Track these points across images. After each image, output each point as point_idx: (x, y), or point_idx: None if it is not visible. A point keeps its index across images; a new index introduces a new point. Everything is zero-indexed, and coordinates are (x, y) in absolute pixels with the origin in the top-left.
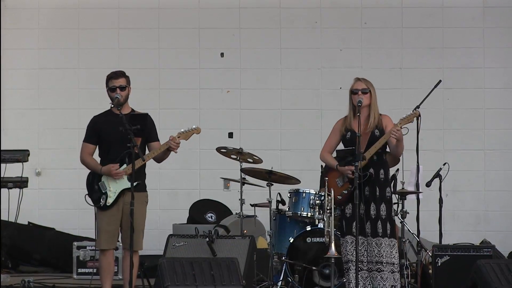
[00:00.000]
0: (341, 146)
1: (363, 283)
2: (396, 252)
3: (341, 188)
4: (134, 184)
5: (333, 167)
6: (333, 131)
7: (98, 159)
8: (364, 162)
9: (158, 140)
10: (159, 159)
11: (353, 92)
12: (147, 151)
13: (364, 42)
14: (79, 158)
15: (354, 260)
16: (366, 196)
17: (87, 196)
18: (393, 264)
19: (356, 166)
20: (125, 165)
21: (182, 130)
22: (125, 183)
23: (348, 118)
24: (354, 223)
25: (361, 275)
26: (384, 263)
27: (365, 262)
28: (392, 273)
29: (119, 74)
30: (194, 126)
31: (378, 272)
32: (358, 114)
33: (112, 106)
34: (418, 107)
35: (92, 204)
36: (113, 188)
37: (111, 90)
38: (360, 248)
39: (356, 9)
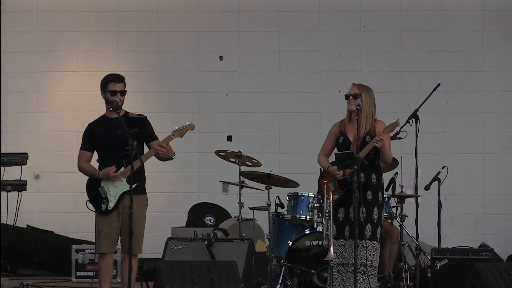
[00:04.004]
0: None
1: (343, 285)
2: (377, 256)
3: (332, 192)
4: (134, 186)
5: (325, 169)
6: (329, 134)
7: (96, 165)
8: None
9: (157, 139)
10: (161, 158)
11: (345, 97)
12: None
13: (363, 45)
14: (77, 166)
15: (344, 263)
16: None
17: (88, 202)
18: (376, 267)
19: (356, 169)
20: (122, 168)
21: (176, 127)
22: (124, 186)
23: (344, 122)
24: (346, 227)
25: (346, 277)
26: (369, 266)
27: (350, 265)
28: (375, 276)
29: (121, 79)
30: (188, 123)
31: (361, 274)
32: (357, 117)
33: (111, 109)
34: (417, 110)
35: (94, 210)
36: (113, 192)
37: (111, 93)
38: (345, 251)
39: (355, 12)
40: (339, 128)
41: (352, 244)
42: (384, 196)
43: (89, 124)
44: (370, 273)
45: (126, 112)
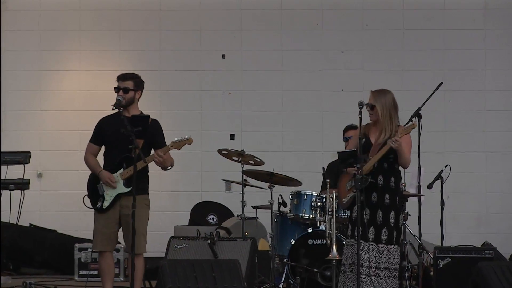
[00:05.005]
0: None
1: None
2: (396, 258)
3: (348, 191)
4: (128, 189)
5: (344, 170)
6: (354, 136)
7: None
8: (366, 167)
9: (166, 145)
10: (158, 165)
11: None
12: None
13: (365, 44)
14: (83, 157)
15: (353, 263)
16: (373, 202)
17: (85, 197)
18: (390, 269)
19: (358, 168)
20: (122, 170)
21: (176, 139)
22: (121, 188)
23: (369, 124)
24: (356, 227)
25: (360, 279)
26: (383, 268)
27: (365, 267)
28: (394, 278)
29: (127, 77)
30: (186, 137)
31: (376, 277)
32: (360, 116)
33: (114, 107)
34: (419, 109)
35: (90, 206)
36: (110, 192)
37: (115, 90)
38: (360, 253)
39: (357, 11)
40: (363, 130)
41: (363, 245)
42: None
43: (103, 117)
44: (380, 275)
45: (141, 113)
